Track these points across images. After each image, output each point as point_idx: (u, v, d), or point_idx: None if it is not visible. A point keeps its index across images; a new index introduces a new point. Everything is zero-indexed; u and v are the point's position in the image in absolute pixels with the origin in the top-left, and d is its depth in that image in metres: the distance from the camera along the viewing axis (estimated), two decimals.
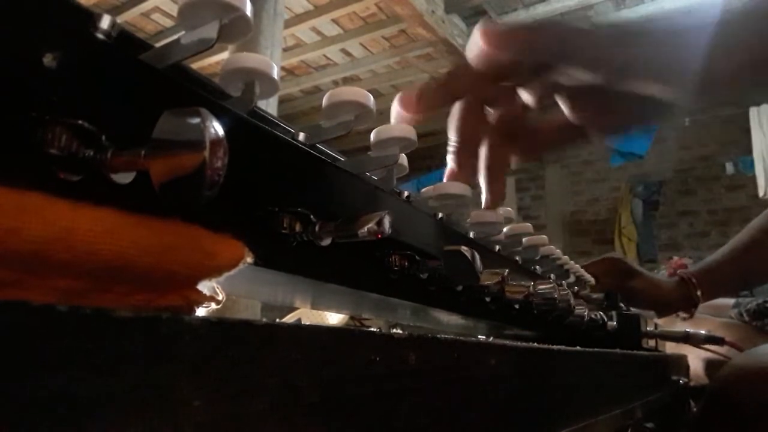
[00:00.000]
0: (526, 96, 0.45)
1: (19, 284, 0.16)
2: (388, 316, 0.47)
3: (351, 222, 0.25)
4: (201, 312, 0.21)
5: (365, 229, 0.25)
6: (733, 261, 0.95)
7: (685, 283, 0.93)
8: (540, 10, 3.73)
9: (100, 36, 0.18)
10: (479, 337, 0.53)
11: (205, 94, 0.22)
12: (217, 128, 0.17)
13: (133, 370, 0.13)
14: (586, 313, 0.56)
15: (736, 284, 1.07)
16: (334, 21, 4.01)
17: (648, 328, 0.76)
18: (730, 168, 4.74)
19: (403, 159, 0.37)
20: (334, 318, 2.38)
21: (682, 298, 0.93)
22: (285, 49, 3.90)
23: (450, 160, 0.46)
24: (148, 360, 0.13)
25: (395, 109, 0.42)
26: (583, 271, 0.69)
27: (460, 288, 0.39)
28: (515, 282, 0.43)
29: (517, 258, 0.53)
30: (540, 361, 0.38)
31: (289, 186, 0.26)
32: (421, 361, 0.24)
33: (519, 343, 0.35)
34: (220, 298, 0.22)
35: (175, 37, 0.22)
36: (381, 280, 0.32)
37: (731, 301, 1.12)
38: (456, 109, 0.45)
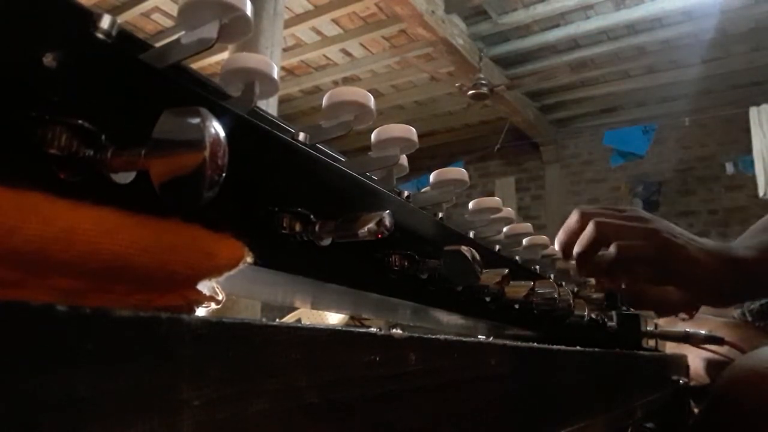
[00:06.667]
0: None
1: (19, 284, 0.16)
2: (388, 316, 0.46)
3: (351, 222, 0.25)
4: (201, 312, 0.21)
5: (365, 229, 0.25)
6: None
7: None
8: (540, 10, 3.73)
9: (100, 36, 0.18)
10: (479, 337, 0.53)
11: (205, 94, 0.22)
12: (217, 128, 0.17)
13: (133, 370, 0.13)
14: (586, 313, 0.56)
15: None
16: (334, 21, 4.01)
17: (648, 328, 0.76)
18: (729, 168, 4.74)
19: (403, 159, 0.37)
20: (334, 318, 2.38)
21: (684, 300, 0.93)
22: (285, 49, 3.90)
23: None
24: (148, 360, 0.13)
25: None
26: None
27: (460, 288, 0.39)
28: (515, 282, 0.43)
29: (517, 258, 0.53)
30: (540, 361, 0.38)
31: (289, 186, 0.26)
32: (421, 361, 0.24)
33: (519, 343, 0.35)
34: (220, 298, 0.22)
35: (175, 37, 0.22)
36: (381, 280, 0.32)
37: None
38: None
